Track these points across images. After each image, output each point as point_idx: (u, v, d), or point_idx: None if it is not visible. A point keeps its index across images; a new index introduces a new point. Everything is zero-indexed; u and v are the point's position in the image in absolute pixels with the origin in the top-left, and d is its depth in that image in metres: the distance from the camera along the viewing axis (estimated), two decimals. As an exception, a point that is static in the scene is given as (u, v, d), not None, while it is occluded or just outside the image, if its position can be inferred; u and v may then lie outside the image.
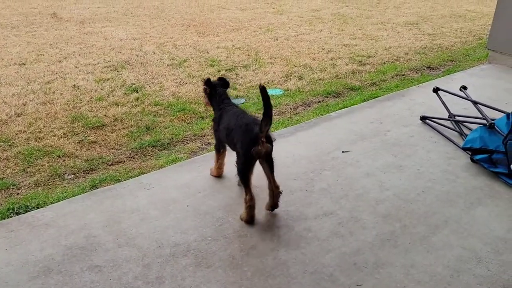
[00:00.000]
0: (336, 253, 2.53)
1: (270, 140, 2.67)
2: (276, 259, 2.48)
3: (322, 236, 2.67)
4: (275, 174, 2.77)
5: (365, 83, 5.43)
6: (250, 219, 2.77)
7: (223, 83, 3.09)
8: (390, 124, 4.08)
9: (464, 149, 3.53)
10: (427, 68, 6.03)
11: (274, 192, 2.80)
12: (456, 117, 4.04)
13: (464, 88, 4.33)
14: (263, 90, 2.51)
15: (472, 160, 3.42)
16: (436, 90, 4.30)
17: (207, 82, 3.02)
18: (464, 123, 3.97)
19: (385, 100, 4.68)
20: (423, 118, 4.11)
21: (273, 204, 2.84)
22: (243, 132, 2.68)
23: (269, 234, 2.68)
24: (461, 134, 3.82)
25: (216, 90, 3.03)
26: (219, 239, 2.64)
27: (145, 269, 2.40)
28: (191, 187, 3.13)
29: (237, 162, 2.78)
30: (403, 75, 5.74)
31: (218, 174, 3.25)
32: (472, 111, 4.08)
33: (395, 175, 3.29)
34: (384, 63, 6.14)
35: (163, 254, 2.50)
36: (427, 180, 3.22)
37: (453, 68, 5.98)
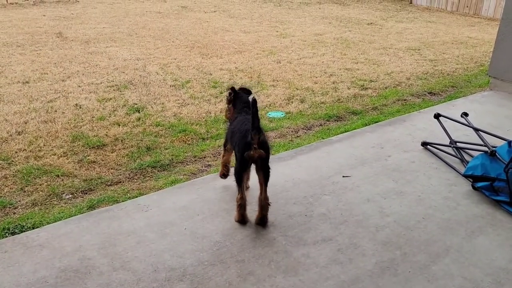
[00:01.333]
0: (335, 281, 2.48)
1: (265, 147, 2.82)
2: (273, 286, 2.43)
3: (321, 262, 2.62)
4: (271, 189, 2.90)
5: (367, 107, 5.44)
6: (241, 219, 2.95)
7: (246, 91, 3.31)
8: (391, 149, 4.07)
9: (466, 176, 3.50)
10: (428, 93, 6.05)
11: (262, 203, 2.90)
12: (457, 143, 4.03)
13: (465, 114, 4.33)
14: (254, 103, 2.74)
15: (473, 187, 3.39)
16: (437, 116, 4.29)
17: (232, 88, 3.26)
18: (466, 150, 3.95)
19: (387, 125, 4.67)
20: (424, 144, 4.10)
21: (261, 216, 2.93)
22: (241, 137, 2.89)
23: (267, 259, 2.64)
24: (462, 160, 3.80)
25: (238, 96, 3.23)
26: (216, 264, 2.59)
27: (139, 293, 2.35)
28: (190, 209, 3.10)
29: (235, 164, 2.99)
30: (404, 100, 5.75)
31: (222, 173, 3.37)
32: (473, 137, 4.07)
33: (396, 201, 3.25)
34: (386, 87, 6.17)
35: (159, 279, 2.46)
36: (428, 207, 3.19)
37: (454, 94, 5.99)
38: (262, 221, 2.94)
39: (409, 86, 6.28)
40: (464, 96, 5.80)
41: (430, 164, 3.82)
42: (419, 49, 8.37)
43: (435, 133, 4.33)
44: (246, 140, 2.79)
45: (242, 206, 2.94)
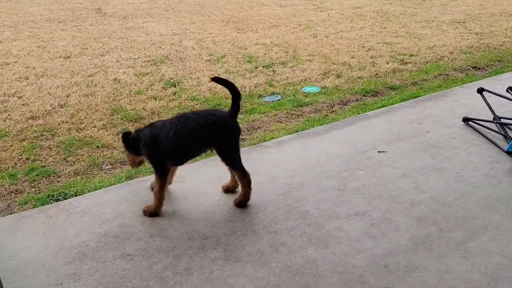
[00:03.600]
0: (367, 254, 2.47)
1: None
2: (305, 257, 2.45)
3: (353, 236, 2.61)
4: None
5: (406, 82, 5.27)
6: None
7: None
8: (430, 125, 3.95)
9: (509, 153, 3.36)
10: (472, 68, 5.79)
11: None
12: (501, 119, 3.86)
13: (511, 89, 4.12)
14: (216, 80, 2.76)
15: (516, 164, 3.26)
16: (480, 90, 4.11)
17: (123, 135, 2.87)
18: (510, 126, 3.78)
19: (426, 100, 4.52)
20: (465, 120, 3.95)
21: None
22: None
23: (299, 231, 2.65)
24: (506, 137, 3.64)
25: (130, 137, 2.84)
26: (249, 234, 2.64)
27: (175, 259, 2.43)
28: (223, 181, 3.14)
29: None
30: (446, 75, 5.54)
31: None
32: (519, 113, 3.89)
33: (433, 178, 3.17)
34: (427, 62, 5.95)
35: (193, 246, 2.53)
36: (467, 184, 3.09)
37: (500, 68, 5.71)
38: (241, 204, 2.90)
39: (452, 60, 6.03)
40: (511, 70, 5.51)
41: (471, 140, 3.68)
42: (464, 22, 7.98)
43: (478, 109, 4.16)
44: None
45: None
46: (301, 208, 2.87)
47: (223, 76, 5.37)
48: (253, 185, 3.10)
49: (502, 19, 8.22)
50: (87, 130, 4.10)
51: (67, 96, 4.79)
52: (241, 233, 2.64)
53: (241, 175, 2.82)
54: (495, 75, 5.36)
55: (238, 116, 4.37)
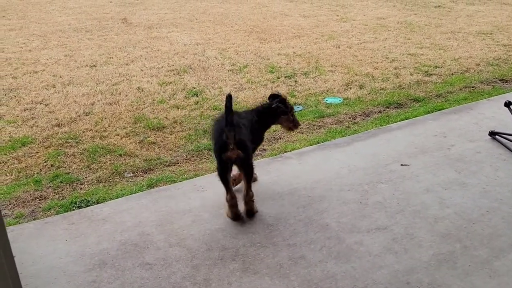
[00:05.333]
0: (389, 270, 2.42)
1: (243, 146, 2.67)
2: (324, 271, 2.42)
3: (374, 251, 2.56)
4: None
5: (430, 94, 5.19)
6: (234, 216, 2.85)
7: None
8: (455, 139, 3.86)
9: (538, 169, 3.26)
10: (500, 80, 5.66)
11: (245, 199, 2.84)
12: (529, 134, 3.75)
13: (540, 103, 4.00)
14: (228, 98, 2.61)
15: (546, 181, 3.15)
16: (508, 104, 4.00)
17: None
18: (539, 141, 3.67)
19: (451, 113, 4.44)
20: (492, 134, 3.85)
21: (246, 210, 2.89)
22: (217, 137, 2.76)
23: (319, 245, 2.62)
24: (535, 152, 3.53)
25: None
26: (268, 246, 2.62)
27: (193, 270, 2.43)
28: (243, 192, 3.13)
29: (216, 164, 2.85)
30: (472, 87, 5.42)
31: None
32: (548, 128, 3.77)
33: (458, 193, 3.10)
34: (452, 74, 5.84)
35: (212, 257, 2.52)
36: (493, 200, 3.01)
37: (529, 81, 5.56)
38: (249, 214, 2.88)
39: (478, 72, 5.91)
40: (540, 83, 5.37)
41: (498, 155, 3.59)
42: (491, 33, 7.83)
43: (505, 123, 4.05)
44: (222, 140, 2.63)
45: (233, 206, 2.81)
46: (322, 221, 2.83)
47: (245, 86, 5.41)
48: (274, 196, 3.10)
49: (531, 31, 8.03)
50: (110, 138, 4.16)
51: (92, 104, 4.89)
52: (260, 244, 2.63)
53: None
54: (523, 88, 5.23)
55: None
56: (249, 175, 2.83)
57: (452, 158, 3.55)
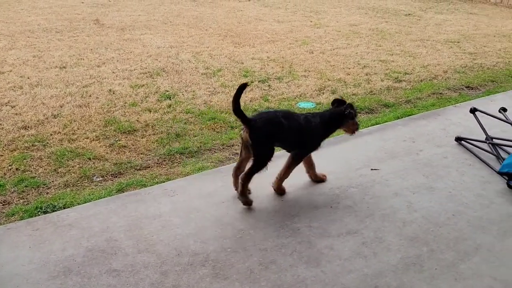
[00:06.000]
0: (358, 274, 2.44)
1: (251, 128, 2.89)
2: (295, 276, 2.42)
3: (344, 255, 2.59)
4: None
5: (400, 100, 5.29)
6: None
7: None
8: (423, 144, 3.95)
9: (501, 173, 3.37)
10: (466, 87, 5.83)
11: (240, 176, 2.99)
12: (493, 139, 3.87)
13: (503, 110, 4.15)
14: (242, 86, 2.89)
15: (508, 185, 3.26)
16: (473, 110, 4.14)
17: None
18: (502, 146, 3.79)
19: (420, 118, 4.54)
20: (458, 139, 3.96)
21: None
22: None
23: (290, 249, 2.63)
24: (498, 157, 3.65)
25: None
26: (239, 251, 2.60)
27: (162, 276, 2.39)
28: (215, 196, 3.12)
29: None
30: (440, 94, 5.57)
31: None
32: (511, 134, 3.90)
33: (425, 197, 3.16)
34: (421, 80, 5.99)
35: (181, 263, 2.49)
36: (459, 204, 3.09)
37: (494, 89, 5.75)
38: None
39: (446, 79, 6.07)
40: (504, 91, 5.56)
41: (464, 160, 3.69)
42: (458, 42, 8.07)
43: (471, 129, 4.17)
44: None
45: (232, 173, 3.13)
46: (293, 225, 2.84)
47: (219, 90, 5.39)
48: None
49: (495, 40, 8.32)
50: (80, 141, 4.07)
51: (61, 107, 4.77)
52: (231, 249, 2.61)
53: None
54: (488, 95, 5.40)
55: (233, 130, 4.38)
56: (253, 164, 2.95)
57: (420, 163, 3.63)
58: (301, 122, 3.07)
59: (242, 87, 2.88)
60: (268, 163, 2.97)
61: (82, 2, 10.84)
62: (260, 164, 2.95)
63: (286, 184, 3.23)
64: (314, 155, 3.69)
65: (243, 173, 2.97)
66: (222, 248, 2.62)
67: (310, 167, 3.31)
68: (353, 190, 3.23)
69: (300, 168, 3.46)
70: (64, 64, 6.18)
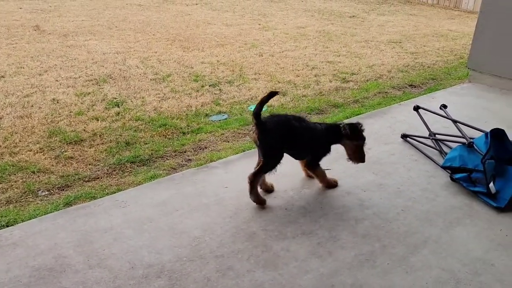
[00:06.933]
0: (314, 275, 2.47)
1: (260, 130, 2.90)
2: (252, 281, 2.42)
3: (300, 256, 2.61)
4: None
5: (348, 100, 5.44)
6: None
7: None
8: (372, 142, 4.07)
9: (444, 167, 3.53)
10: (409, 86, 6.09)
11: (248, 176, 3.02)
12: (436, 135, 4.06)
13: (444, 106, 4.36)
14: (271, 94, 2.90)
15: (451, 179, 3.42)
16: (416, 108, 4.32)
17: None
18: (444, 142, 3.98)
19: (367, 117, 4.68)
20: (404, 136, 4.12)
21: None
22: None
23: (246, 254, 2.62)
24: (441, 152, 3.83)
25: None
26: (195, 259, 2.56)
27: (116, 291, 2.31)
28: (168, 205, 3.06)
29: None
30: (385, 92, 5.78)
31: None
32: (452, 129, 4.10)
33: (376, 194, 3.26)
34: (367, 80, 6.18)
35: (136, 276, 2.42)
36: (407, 199, 3.21)
37: (434, 86, 6.04)
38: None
39: (390, 78, 6.31)
40: (443, 88, 5.85)
41: (410, 156, 3.84)
42: (400, 42, 8.41)
43: (415, 125, 4.35)
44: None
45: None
46: (249, 230, 2.84)
47: (169, 96, 5.30)
48: (199, 208, 3.05)
49: (434, 40, 8.75)
50: (22, 154, 3.86)
51: (0, 118, 4.51)
52: (187, 258, 2.57)
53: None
54: (429, 92, 5.66)
55: (185, 136, 4.33)
56: (261, 166, 2.99)
57: (369, 161, 3.73)
58: (311, 126, 3.11)
59: (272, 95, 2.89)
60: (277, 165, 3.01)
61: (20, 8, 10.34)
62: (268, 165, 2.99)
63: (239, 188, 3.22)
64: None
65: (251, 172, 3.00)
66: (177, 257, 2.57)
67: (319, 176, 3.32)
68: (306, 191, 3.28)
69: (250, 171, 3.47)
70: (2, 73, 5.86)
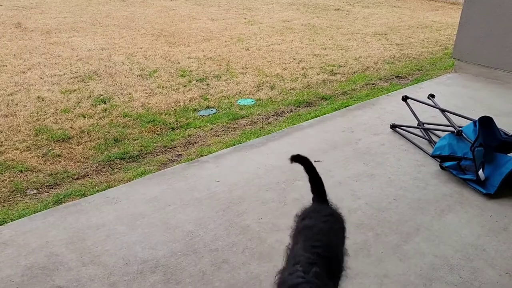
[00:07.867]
0: (309, 265, 2.47)
1: None
2: (248, 273, 2.41)
3: (295, 247, 2.61)
4: None
5: (336, 92, 5.46)
6: None
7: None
8: (361, 133, 4.10)
9: (433, 156, 3.57)
10: (396, 77, 6.13)
11: None
12: (425, 125, 4.09)
13: (432, 96, 4.40)
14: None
15: (441, 167, 3.46)
16: (405, 98, 4.35)
17: None
18: (433, 131, 4.02)
19: (356, 109, 4.70)
20: (393, 127, 4.15)
21: None
22: None
23: (241, 247, 2.61)
24: (430, 141, 3.87)
25: None
26: (189, 254, 2.55)
27: (111, 288, 2.28)
28: (160, 200, 3.03)
29: None
30: (373, 84, 5.81)
31: None
32: (440, 119, 4.14)
33: (367, 184, 3.28)
34: (354, 72, 6.21)
35: (130, 272, 2.39)
36: (399, 188, 3.23)
37: (421, 77, 6.10)
38: None
39: (377, 70, 6.34)
40: (430, 78, 5.90)
41: (399, 146, 3.87)
42: (385, 34, 8.46)
43: (404, 116, 4.39)
44: None
45: None
46: (242, 223, 2.83)
47: (156, 91, 5.25)
48: (191, 202, 3.03)
49: (419, 31, 8.82)
50: (8, 153, 3.79)
51: (-16, 118, 4.41)
52: (182, 253, 2.55)
53: None
54: (416, 83, 5.71)
55: (174, 131, 4.29)
56: None
57: (360, 151, 3.76)
58: None
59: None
60: None
61: (1, 5, 10.13)
62: None
63: (231, 182, 3.21)
64: (257, 153, 3.72)
65: None
66: (172, 252, 2.55)
67: None
68: (299, 183, 3.28)
69: (241, 165, 3.47)
70: (-16, 71, 5.74)
